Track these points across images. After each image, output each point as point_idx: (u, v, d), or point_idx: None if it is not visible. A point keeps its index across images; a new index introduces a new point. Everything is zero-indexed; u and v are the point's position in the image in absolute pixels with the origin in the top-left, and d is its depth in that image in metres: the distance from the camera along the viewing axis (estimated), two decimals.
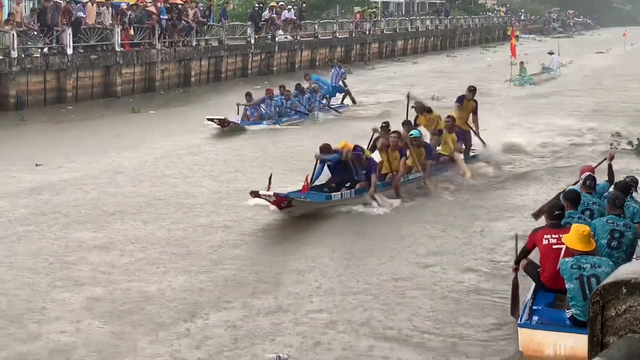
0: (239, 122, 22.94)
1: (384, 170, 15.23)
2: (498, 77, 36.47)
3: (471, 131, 17.87)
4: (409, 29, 58.46)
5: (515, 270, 8.98)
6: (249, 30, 38.90)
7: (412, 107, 17.65)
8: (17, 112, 25.39)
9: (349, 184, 14.39)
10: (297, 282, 10.29)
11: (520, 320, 8.30)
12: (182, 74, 34.25)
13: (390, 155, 15.19)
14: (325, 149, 14.47)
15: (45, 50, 28.20)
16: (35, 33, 27.92)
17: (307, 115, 24.71)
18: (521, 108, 25.93)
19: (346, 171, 14.52)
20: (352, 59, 48.28)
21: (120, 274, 10.48)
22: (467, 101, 17.91)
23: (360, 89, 32.37)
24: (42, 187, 15.23)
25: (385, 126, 15.89)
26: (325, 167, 14.64)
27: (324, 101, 26.32)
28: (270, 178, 12.78)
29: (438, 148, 16.73)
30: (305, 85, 26.09)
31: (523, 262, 8.96)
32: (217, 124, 22.42)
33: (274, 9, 41.92)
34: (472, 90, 18.14)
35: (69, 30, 28.22)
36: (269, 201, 12.81)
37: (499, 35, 73.34)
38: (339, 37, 47.86)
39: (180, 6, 34.08)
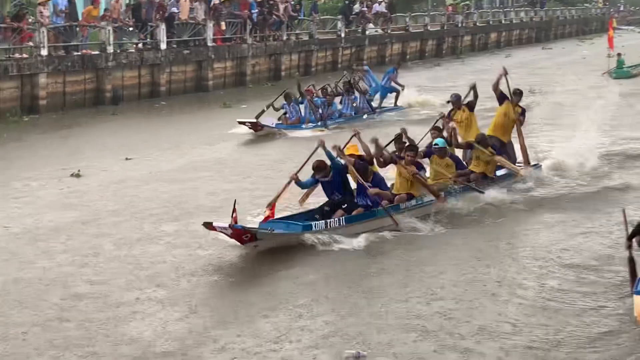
0: (273, 125, 21.09)
1: (394, 190, 12.60)
2: (592, 70, 35.67)
3: (515, 144, 15.37)
4: (503, 21, 57.60)
5: (629, 246, 9.17)
6: (339, 24, 39.07)
7: (448, 101, 15.79)
8: (113, 106, 26.14)
9: (345, 205, 11.91)
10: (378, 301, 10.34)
11: (636, 289, 8.55)
12: (272, 68, 34.65)
13: (402, 171, 12.60)
14: (320, 167, 11.99)
15: (140, 45, 28.98)
16: (131, 29, 28.70)
17: (355, 118, 22.76)
18: (613, 106, 24.81)
19: (345, 191, 12.10)
20: (443, 52, 47.90)
21: (202, 268, 10.71)
22: (510, 105, 15.18)
23: (439, 85, 31.88)
24: (130, 180, 15.69)
25: (399, 137, 13.31)
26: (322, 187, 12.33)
27: (374, 103, 24.53)
28: (234, 205, 10.74)
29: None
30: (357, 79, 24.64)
31: (638, 237, 9.29)
32: (249, 128, 20.77)
33: (365, 3, 41.97)
34: (518, 93, 15.45)
35: (163, 26, 28.90)
36: (227, 234, 10.80)
37: (596, 27, 71.50)
38: (431, 30, 47.55)
39: (271, 1, 34.45)
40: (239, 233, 10.75)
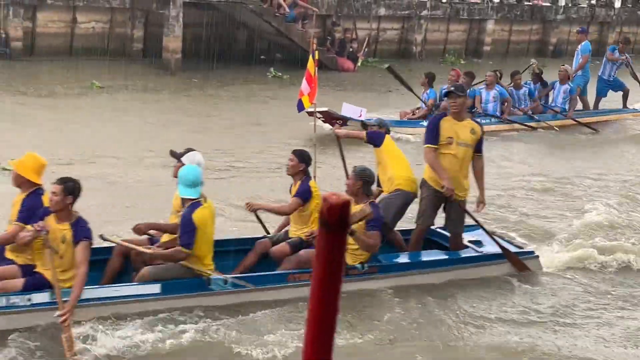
0: (361, 117, 12.25)
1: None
2: None
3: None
4: None
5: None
6: None
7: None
8: (554, 59, 25.90)
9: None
10: None
11: None
12: None
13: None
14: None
15: (593, 1, 28.21)
16: None
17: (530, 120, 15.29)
18: None
19: None
20: None
21: None
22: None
23: None
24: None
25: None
26: None
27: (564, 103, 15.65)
28: None
29: None
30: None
31: None
32: (324, 122, 13.60)
33: None
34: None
35: None
36: None
37: None
38: None
39: None
40: None
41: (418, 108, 14.71)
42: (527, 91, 15.44)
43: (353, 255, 7.17)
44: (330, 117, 13.54)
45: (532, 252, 8.14)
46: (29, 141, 12.05)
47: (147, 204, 9.42)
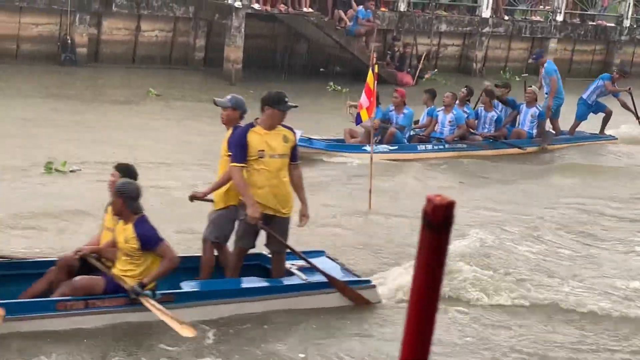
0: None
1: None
2: None
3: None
4: None
5: None
6: None
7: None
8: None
9: None
10: None
11: None
12: None
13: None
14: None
15: None
16: None
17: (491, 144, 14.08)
18: None
19: None
20: None
21: None
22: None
23: None
24: None
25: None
26: None
27: (529, 124, 14.43)
28: None
29: None
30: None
31: None
32: None
33: None
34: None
35: None
36: None
37: None
38: None
39: None
40: None
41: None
42: (495, 117, 14.08)
43: (138, 280, 6.34)
44: None
45: (368, 281, 7.24)
46: (75, 144, 12.32)
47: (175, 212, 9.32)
